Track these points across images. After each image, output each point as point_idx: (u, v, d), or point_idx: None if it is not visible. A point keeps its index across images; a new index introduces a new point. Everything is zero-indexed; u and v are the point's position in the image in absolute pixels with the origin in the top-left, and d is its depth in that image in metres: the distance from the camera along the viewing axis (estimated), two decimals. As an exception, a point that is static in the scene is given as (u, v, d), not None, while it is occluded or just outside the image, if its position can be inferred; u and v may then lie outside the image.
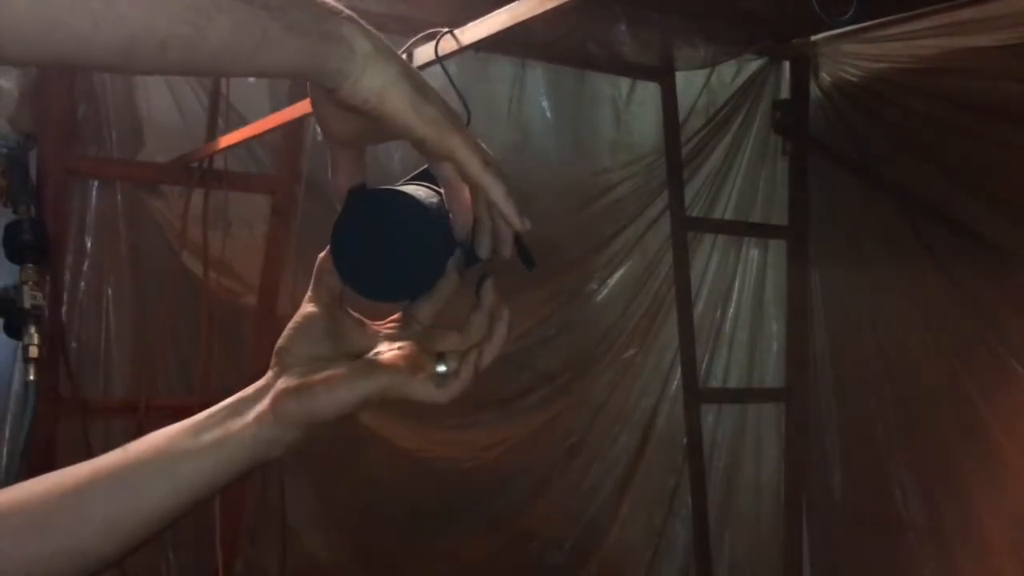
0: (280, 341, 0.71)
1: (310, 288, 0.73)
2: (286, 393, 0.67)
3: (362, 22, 0.62)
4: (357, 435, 3.16)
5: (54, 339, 2.72)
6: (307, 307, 0.72)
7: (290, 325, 0.72)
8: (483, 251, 0.69)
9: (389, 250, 0.68)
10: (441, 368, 0.67)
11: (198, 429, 0.68)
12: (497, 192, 0.66)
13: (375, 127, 0.66)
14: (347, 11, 0.62)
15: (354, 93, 0.61)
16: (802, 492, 3.58)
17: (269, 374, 0.70)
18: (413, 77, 0.63)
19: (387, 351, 0.70)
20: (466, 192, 0.68)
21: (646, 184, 3.59)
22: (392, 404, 0.68)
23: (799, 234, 3.56)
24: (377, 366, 0.68)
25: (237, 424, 0.67)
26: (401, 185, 0.72)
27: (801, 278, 3.55)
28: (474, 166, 0.65)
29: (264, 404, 0.68)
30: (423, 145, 0.65)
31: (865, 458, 3.39)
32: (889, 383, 3.30)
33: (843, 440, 3.48)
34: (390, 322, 0.74)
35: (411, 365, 0.68)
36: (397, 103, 0.62)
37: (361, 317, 0.74)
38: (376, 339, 0.72)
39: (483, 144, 0.67)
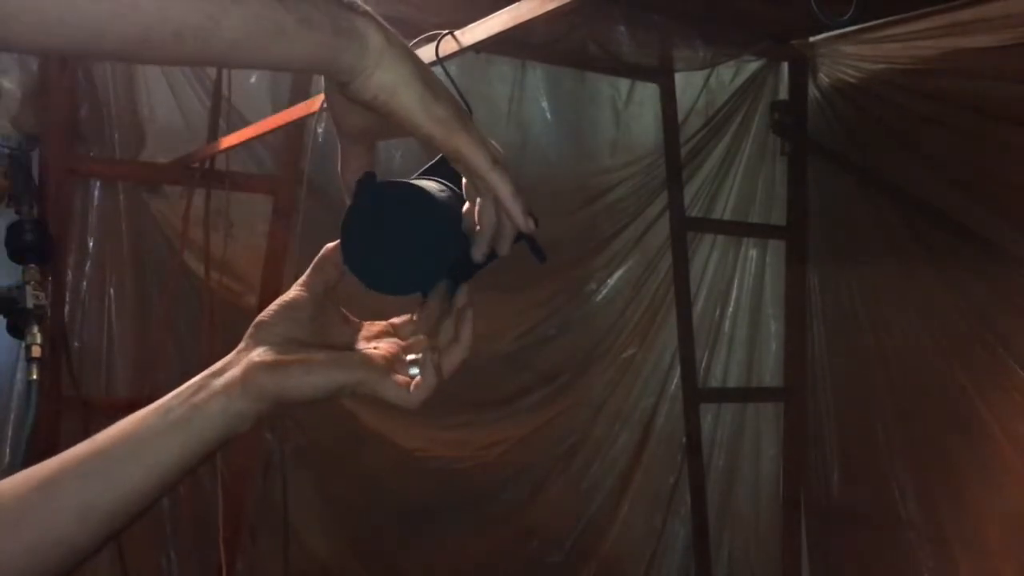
0: (262, 315, 0.71)
1: (306, 273, 0.74)
2: (260, 366, 0.67)
3: (378, 18, 0.63)
4: (358, 434, 3.17)
5: (56, 339, 2.73)
6: (297, 291, 0.73)
7: (276, 303, 0.72)
8: (478, 255, 0.70)
9: (399, 243, 0.69)
10: (413, 370, 0.68)
11: (166, 408, 0.67)
12: (504, 191, 0.67)
13: (386, 123, 0.66)
14: (363, 6, 0.62)
15: (365, 89, 0.62)
16: (801, 491, 3.59)
17: (241, 345, 0.70)
18: (424, 75, 0.64)
19: (367, 348, 0.72)
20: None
21: (645, 184, 3.60)
22: (361, 399, 0.69)
23: (798, 234, 3.57)
24: (355, 359, 0.69)
25: (204, 397, 0.67)
26: (416, 178, 0.73)
27: (800, 278, 3.56)
28: (480, 164, 0.66)
29: (234, 374, 0.67)
30: (430, 142, 0.65)
31: (863, 457, 3.40)
32: (887, 383, 3.31)
33: (841, 439, 3.49)
34: (374, 326, 0.75)
35: (388, 365, 0.69)
36: (407, 101, 0.63)
37: (348, 314, 0.75)
38: (357, 338, 0.74)
39: (493, 142, 0.68)
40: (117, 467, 0.66)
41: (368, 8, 0.63)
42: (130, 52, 0.55)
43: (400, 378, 0.68)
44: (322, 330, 0.72)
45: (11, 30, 0.51)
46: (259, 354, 0.68)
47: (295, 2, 0.58)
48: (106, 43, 0.53)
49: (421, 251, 0.69)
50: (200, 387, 0.68)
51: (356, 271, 0.70)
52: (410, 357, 0.70)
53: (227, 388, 0.67)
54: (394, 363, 0.70)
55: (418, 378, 0.68)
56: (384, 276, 0.69)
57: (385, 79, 0.62)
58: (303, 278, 0.74)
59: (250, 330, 0.71)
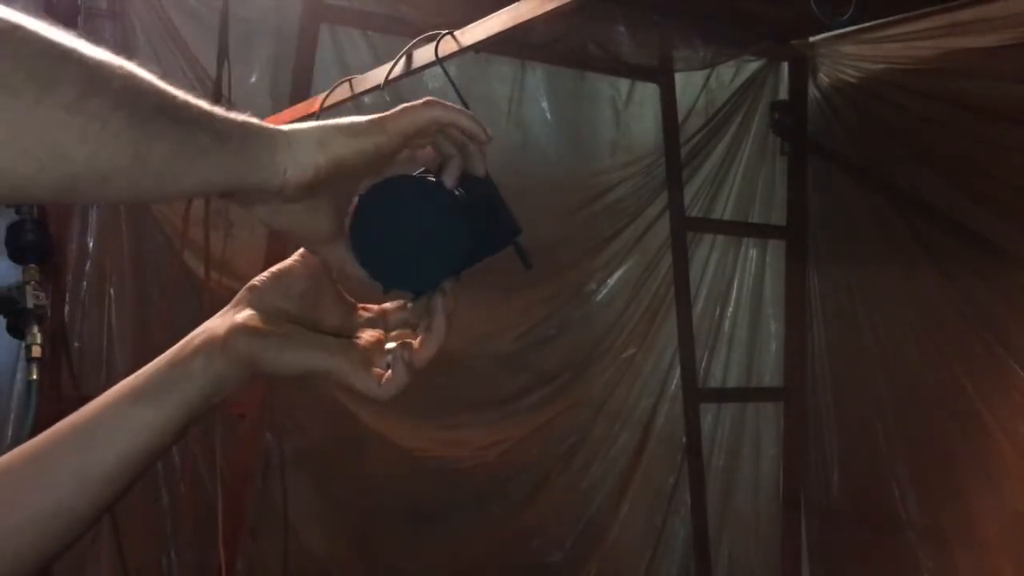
0: (255, 280, 0.72)
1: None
2: (242, 329, 0.68)
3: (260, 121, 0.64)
4: (358, 434, 3.17)
5: (56, 339, 2.72)
6: (295, 260, 0.74)
7: (271, 270, 0.73)
8: (450, 180, 0.70)
9: (411, 235, 0.69)
10: (390, 359, 0.68)
11: (150, 373, 0.69)
12: (452, 115, 0.68)
13: (340, 199, 0.67)
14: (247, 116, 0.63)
15: (302, 172, 0.62)
16: (800, 491, 3.59)
17: (229, 306, 0.71)
18: (329, 122, 0.65)
19: (351, 337, 0.72)
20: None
21: (646, 184, 3.60)
22: (335, 387, 0.69)
23: (797, 234, 3.57)
24: (334, 346, 0.69)
25: (186, 355, 0.68)
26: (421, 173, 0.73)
27: (799, 278, 3.57)
28: (421, 115, 0.67)
29: (216, 332, 0.68)
30: (383, 152, 0.66)
31: (863, 457, 3.40)
32: (887, 383, 3.31)
33: (841, 439, 3.49)
34: (368, 309, 0.75)
35: (364, 357, 0.69)
36: (339, 145, 0.64)
37: (343, 293, 0.75)
38: (351, 320, 0.74)
39: (414, 101, 0.68)
40: (108, 432, 0.67)
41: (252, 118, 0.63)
42: (55, 198, 0.55)
43: (376, 370, 0.68)
44: (313, 306, 0.73)
45: None
46: (243, 317, 0.69)
47: (207, 120, 0.58)
48: (32, 192, 0.53)
49: (430, 241, 0.69)
50: (182, 347, 0.69)
51: (366, 265, 0.70)
52: (389, 345, 0.70)
53: (208, 345, 0.68)
54: (373, 354, 0.70)
55: (389, 372, 0.68)
56: (393, 271, 0.69)
57: (307, 149, 0.62)
58: (303, 248, 0.74)
59: (241, 292, 0.71)
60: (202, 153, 0.57)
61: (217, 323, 0.70)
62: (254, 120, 0.62)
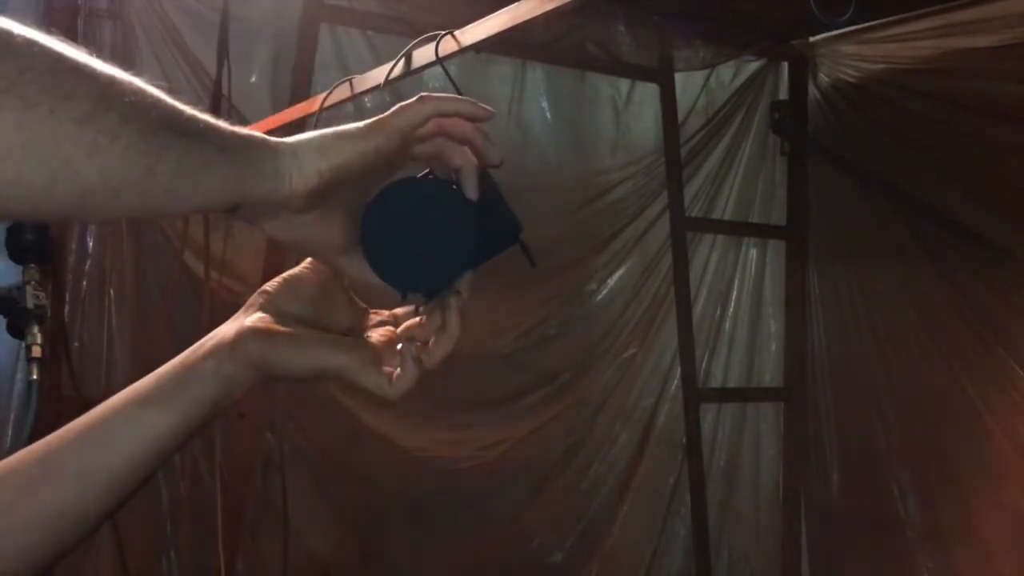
0: (266, 286, 0.72)
1: None
2: (251, 332, 0.68)
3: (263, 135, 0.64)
4: (358, 434, 3.17)
5: (56, 339, 2.72)
6: (305, 267, 0.74)
7: (283, 275, 0.73)
8: (471, 191, 0.69)
9: (425, 238, 0.68)
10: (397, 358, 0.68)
11: (160, 376, 0.69)
12: (448, 104, 0.67)
13: (350, 208, 0.66)
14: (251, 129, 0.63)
15: (306, 180, 0.62)
16: (801, 491, 3.59)
17: (241, 311, 0.71)
18: (328, 130, 0.65)
19: (362, 336, 0.72)
20: (449, 146, 0.69)
21: (646, 184, 3.60)
22: (346, 386, 0.69)
23: (798, 234, 3.57)
24: (344, 344, 0.69)
25: (196, 357, 0.68)
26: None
27: (800, 278, 3.57)
28: (418, 111, 0.66)
29: (226, 336, 0.69)
30: (385, 151, 0.65)
31: (863, 457, 3.40)
32: (887, 383, 3.31)
33: (841, 439, 3.49)
34: (378, 314, 0.75)
35: (375, 355, 0.69)
36: (341, 150, 0.64)
37: (354, 297, 0.75)
38: (362, 324, 0.74)
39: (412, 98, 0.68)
40: (113, 435, 0.68)
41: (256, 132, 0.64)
42: (67, 214, 0.55)
43: (387, 368, 0.68)
44: (323, 310, 0.73)
45: None
46: (253, 320, 0.69)
47: (211, 132, 0.58)
48: (46, 207, 0.52)
49: (444, 242, 0.68)
50: (192, 351, 0.69)
51: (379, 270, 0.69)
52: (399, 346, 0.70)
53: (217, 349, 0.68)
54: (384, 353, 0.70)
55: (399, 370, 0.68)
56: (408, 275, 0.68)
57: (309, 157, 0.62)
58: (318, 260, 0.74)
59: (252, 297, 0.72)
60: (209, 165, 0.58)
61: (228, 327, 0.70)
62: (255, 132, 0.62)
